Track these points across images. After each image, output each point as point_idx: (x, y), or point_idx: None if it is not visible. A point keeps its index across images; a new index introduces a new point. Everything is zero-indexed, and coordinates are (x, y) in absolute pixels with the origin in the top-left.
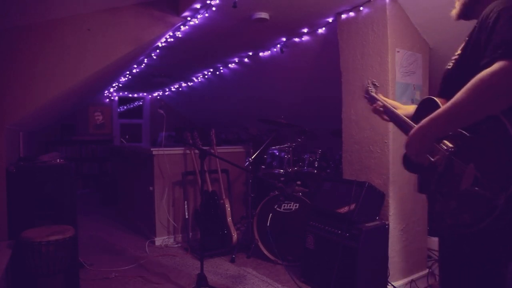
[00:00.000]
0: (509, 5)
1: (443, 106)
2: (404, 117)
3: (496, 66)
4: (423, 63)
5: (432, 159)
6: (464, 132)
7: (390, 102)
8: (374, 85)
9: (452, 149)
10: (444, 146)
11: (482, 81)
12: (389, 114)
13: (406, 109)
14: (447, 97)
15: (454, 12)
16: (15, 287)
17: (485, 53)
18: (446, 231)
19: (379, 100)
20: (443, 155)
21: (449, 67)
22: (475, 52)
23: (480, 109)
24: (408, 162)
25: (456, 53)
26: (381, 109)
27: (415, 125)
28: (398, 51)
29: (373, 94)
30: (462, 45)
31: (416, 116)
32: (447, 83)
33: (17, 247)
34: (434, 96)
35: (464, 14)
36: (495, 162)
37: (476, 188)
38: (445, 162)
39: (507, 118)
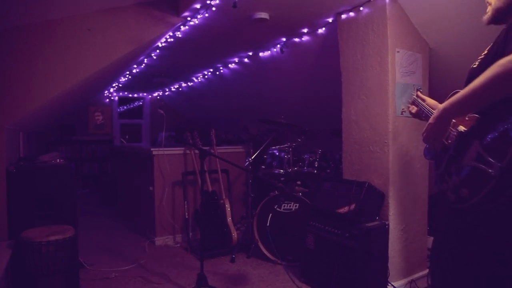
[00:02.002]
0: None
1: (462, 90)
2: (428, 107)
3: None
4: (423, 63)
5: (446, 143)
6: (477, 115)
7: (429, 100)
8: (418, 90)
9: (464, 131)
10: (458, 130)
11: (500, 65)
12: (418, 106)
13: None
14: None
15: (486, 17)
16: (15, 287)
17: (510, 46)
18: (450, 209)
19: (415, 103)
20: (456, 137)
21: (474, 66)
22: (500, 55)
23: (494, 91)
24: (427, 149)
25: (483, 53)
26: (413, 111)
27: None
28: (398, 51)
29: (415, 96)
30: (489, 46)
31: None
32: (472, 81)
33: (17, 247)
34: None
35: (496, 19)
36: (497, 139)
37: (477, 163)
38: (456, 143)
39: None
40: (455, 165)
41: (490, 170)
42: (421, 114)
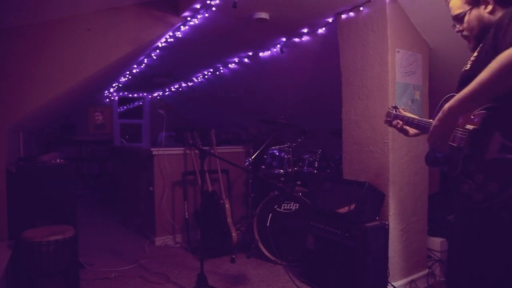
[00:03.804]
0: None
1: (467, 87)
2: (423, 118)
3: None
4: (423, 63)
5: (455, 145)
6: (484, 111)
7: (411, 115)
8: (395, 107)
9: (475, 128)
10: (467, 129)
11: (506, 56)
12: (410, 122)
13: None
14: None
15: (470, 47)
16: (15, 287)
17: (505, 41)
18: (477, 209)
19: (398, 117)
20: (468, 135)
21: (467, 68)
22: (491, 53)
23: (504, 82)
24: (431, 158)
25: (473, 56)
26: (399, 125)
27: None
28: (398, 51)
29: (394, 112)
30: (478, 48)
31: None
32: (465, 84)
33: (17, 247)
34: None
35: (478, 43)
36: None
37: (504, 154)
38: (470, 142)
39: None
40: (476, 163)
41: None
42: (411, 125)
